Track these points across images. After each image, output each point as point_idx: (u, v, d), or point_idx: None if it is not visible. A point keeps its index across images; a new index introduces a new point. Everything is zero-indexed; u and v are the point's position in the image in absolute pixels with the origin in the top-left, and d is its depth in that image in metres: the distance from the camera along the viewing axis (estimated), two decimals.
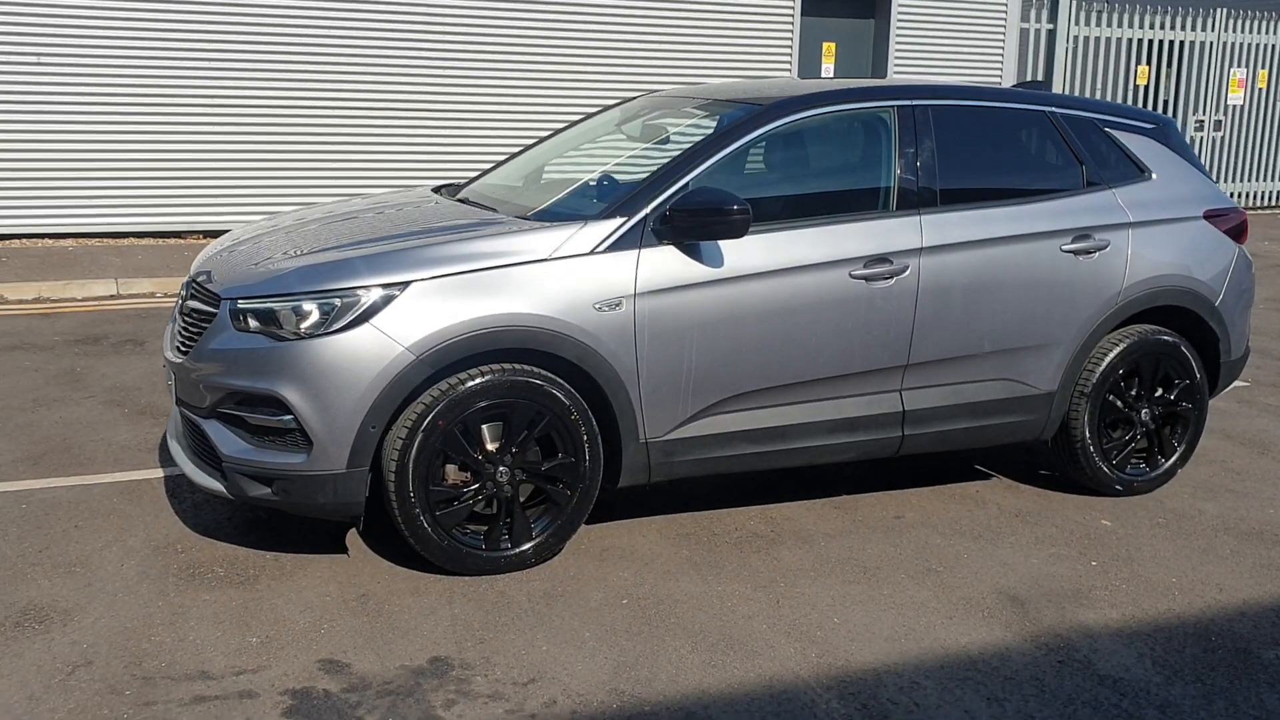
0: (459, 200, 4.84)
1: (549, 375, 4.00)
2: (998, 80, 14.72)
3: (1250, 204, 16.77)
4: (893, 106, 4.65)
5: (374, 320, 3.80)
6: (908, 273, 4.47)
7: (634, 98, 5.60)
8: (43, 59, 10.72)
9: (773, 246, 4.30)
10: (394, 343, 3.79)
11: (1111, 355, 4.89)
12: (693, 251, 4.18)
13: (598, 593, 3.98)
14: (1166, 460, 5.13)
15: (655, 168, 4.35)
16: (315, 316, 3.82)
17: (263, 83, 11.36)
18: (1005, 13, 14.69)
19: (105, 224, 11.06)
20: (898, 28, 14.25)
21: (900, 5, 14.17)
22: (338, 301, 3.82)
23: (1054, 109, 4.96)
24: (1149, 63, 15.88)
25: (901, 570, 4.25)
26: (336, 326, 3.80)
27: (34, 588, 3.89)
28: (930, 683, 3.44)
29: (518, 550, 4.07)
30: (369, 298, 3.82)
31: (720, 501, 4.87)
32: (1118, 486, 5.03)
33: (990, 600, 4.02)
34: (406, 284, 3.86)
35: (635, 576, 4.12)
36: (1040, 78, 15.19)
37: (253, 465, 3.89)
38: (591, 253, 4.07)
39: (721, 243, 4.22)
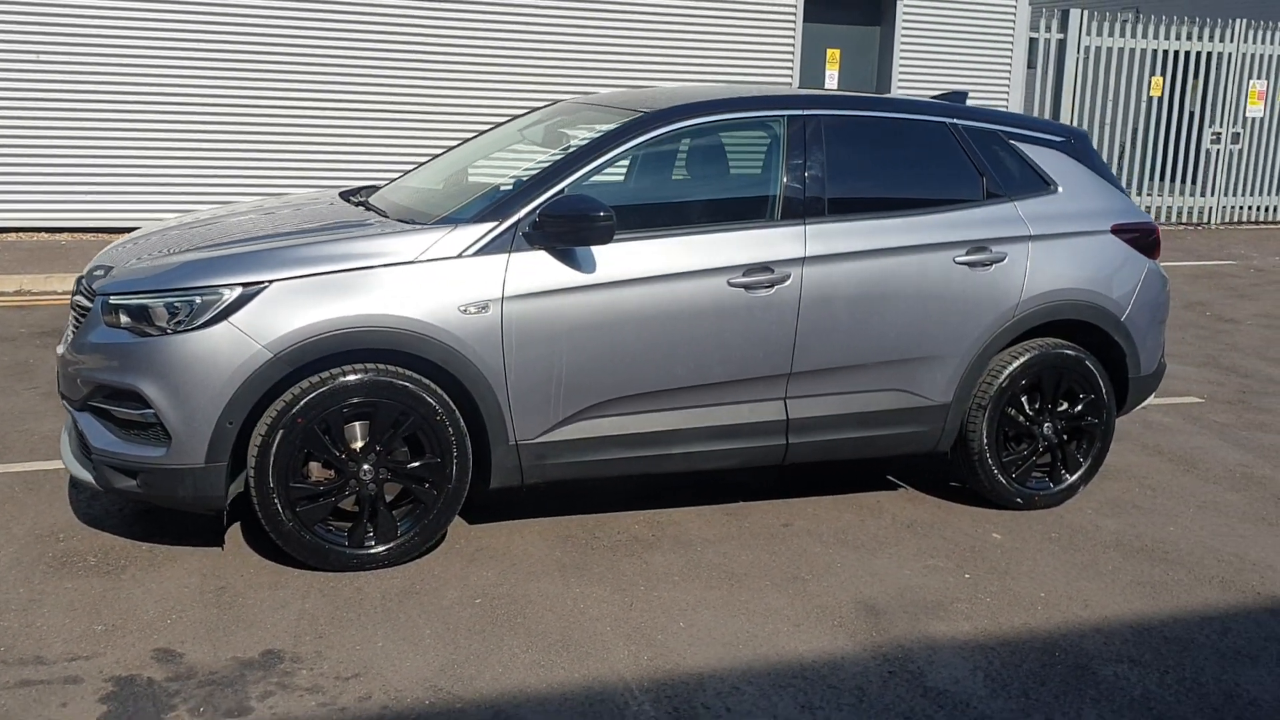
0: (361, 204, 4.90)
1: (413, 376, 4.06)
2: (1005, 90, 14.61)
3: (1271, 219, 16.48)
4: (782, 116, 4.66)
5: (232, 318, 3.88)
6: (789, 282, 4.48)
7: (553, 104, 5.65)
8: (41, 56, 10.98)
9: (649, 253, 4.33)
10: (251, 340, 3.87)
11: (1011, 368, 4.87)
12: (565, 257, 4.22)
13: (454, 591, 4.03)
14: (1070, 475, 5.09)
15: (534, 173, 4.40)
16: (178, 314, 3.91)
17: (253, 82, 11.55)
18: (1014, 22, 14.58)
19: (101, 219, 11.29)
20: (903, 35, 14.19)
21: (905, 12, 14.11)
22: (198, 299, 3.91)
23: (955, 120, 4.94)
24: (1164, 74, 15.67)
25: (768, 577, 4.26)
26: (197, 324, 3.89)
27: None
28: (751, 688, 3.45)
29: (383, 548, 4.14)
30: (229, 296, 3.91)
31: (613, 505, 4.90)
32: (1018, 500, 5.00)
33: (846, 609, 4.02)
34: (267, 283, 3.94)
35: (498, 576, 4.16)
36: (1049, 89, 15.04)
37: (119, 458, 3.99)
38: (459, 256, 4.12)
39: (596, 249, 4.26)
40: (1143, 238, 5.13)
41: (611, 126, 4.50)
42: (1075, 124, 15.12)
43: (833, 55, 14.16)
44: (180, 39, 11.27)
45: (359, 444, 4.07)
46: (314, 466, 4.06)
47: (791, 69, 13.62)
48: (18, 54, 10.88)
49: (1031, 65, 14.93)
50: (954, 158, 4.91)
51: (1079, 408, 5.03)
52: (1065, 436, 5.08)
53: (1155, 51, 15.58)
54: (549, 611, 3.91)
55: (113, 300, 4.02)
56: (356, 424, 4.07)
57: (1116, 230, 5.07)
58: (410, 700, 3.31)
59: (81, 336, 4.09)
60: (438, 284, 4.07)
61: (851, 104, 4.85)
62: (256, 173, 11.68)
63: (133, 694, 3.28)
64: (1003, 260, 4.81)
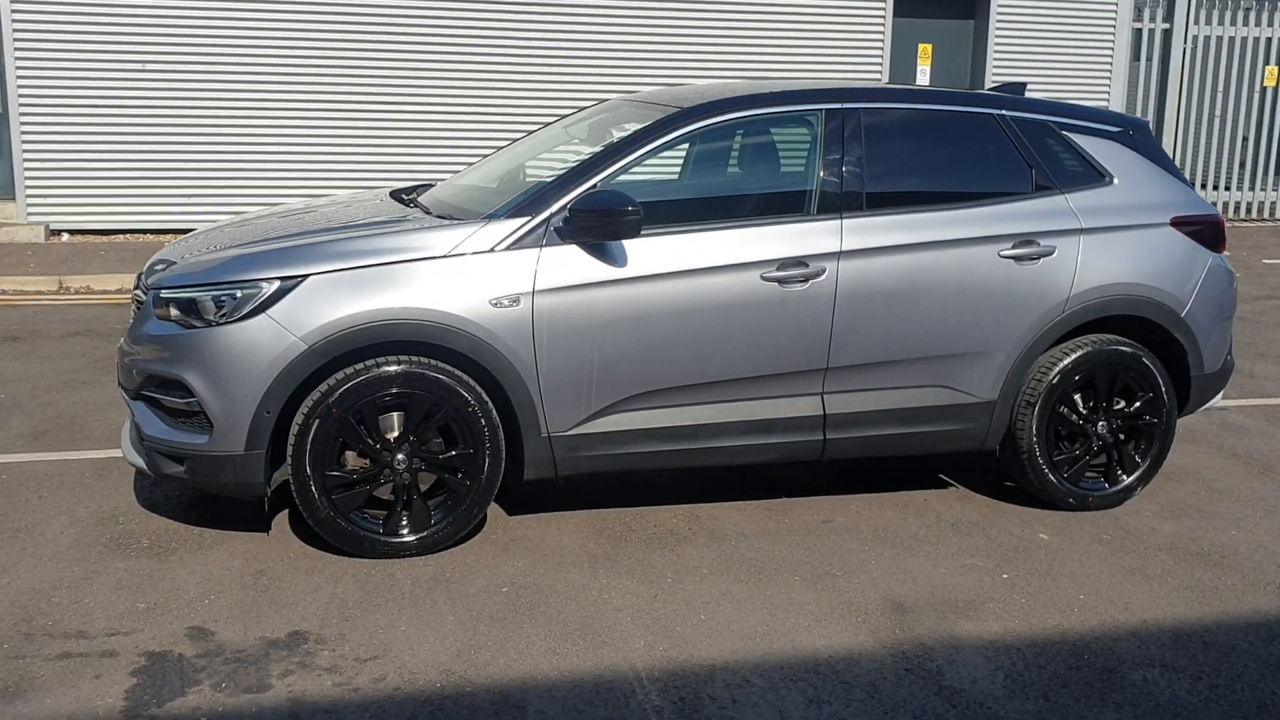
0: (410, 202, 5.01)
1: (446, 368, 4.15)
2: (1106, 84, 14.20)
3: None
4: (820, 110, 4.63)
5: (270, 311, 4.02)
6: (824, 276, 4.45)
7: (599, 102, 5.70)
8: (147, 65, 11.47)
9: (681, 248, 4.35)
10: (287, 332, 4.01)
11: (1062, 364, 4.75)
12: (597, 252, 4.26)
13: (482, 579, 4.10)
14: (1127, 476, 4.94)
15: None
16: (222, 307, 4.06)
17: (316, 89, 11.89)
18: (1115, 11, 14.16)
19: (201, 220, 11.73)
20: (997, 28, 13.89)
21: (1000, 5, 13.82)
22: (239, 293, 4.06)
23: (1004, 112, 4.84)
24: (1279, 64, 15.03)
25: (797, 573, 4.24)
26: (237, 316, 4.04)
27: None
28: (761, 681, 3.45)
29: (415, 537, 4.23)
30: (268, 289, 4.05)
31: (653, 499, 4.93)
32: (1070, 500, 4.88)
33: (872, 606, 3.98)
34: (304, 277, 4.07)
35: (528, 566, 4.23)
36: (1154, 81, 14.56)
37: (168, 445, 4.16)
38: (491, 250, 4.20)
39: (628, 243, 4.29)
40: (1205, 231, 4.96)
41: (646, 123, 4.53)
42: (1183, 118, 14.63)
43: (924, 51, 13.94)
44: (249, 46, 11.66)
45: (394, 434, 4.17)
46: (350, 455, 4.18)
47: (881, 65, 13.46)
48: (129, 62, 11.38)
49: (1135, 57, 14.47)
50: (1001, 150, 4.81)
51: (1136, 406, 4.88)
52: (1122, 436, 4.93)
53: (1270, 40, 14.95)
54: (572, 601, 3.95)
55: (164, 294, 4.20)
56: (392, 415, 4.17)
57: (1176, 223, 4.91)
58: (422, 682, 3.39)
59: (136, 329, 4.29)
60: (469, 278, 4.15)
61: (893, 97, 4.79)
62: (322, 174, 12.00)
63: (162, 669, 3.43)
64: (1051, 254, 4.69)
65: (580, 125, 5.30)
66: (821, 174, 4.56)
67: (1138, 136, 5.02)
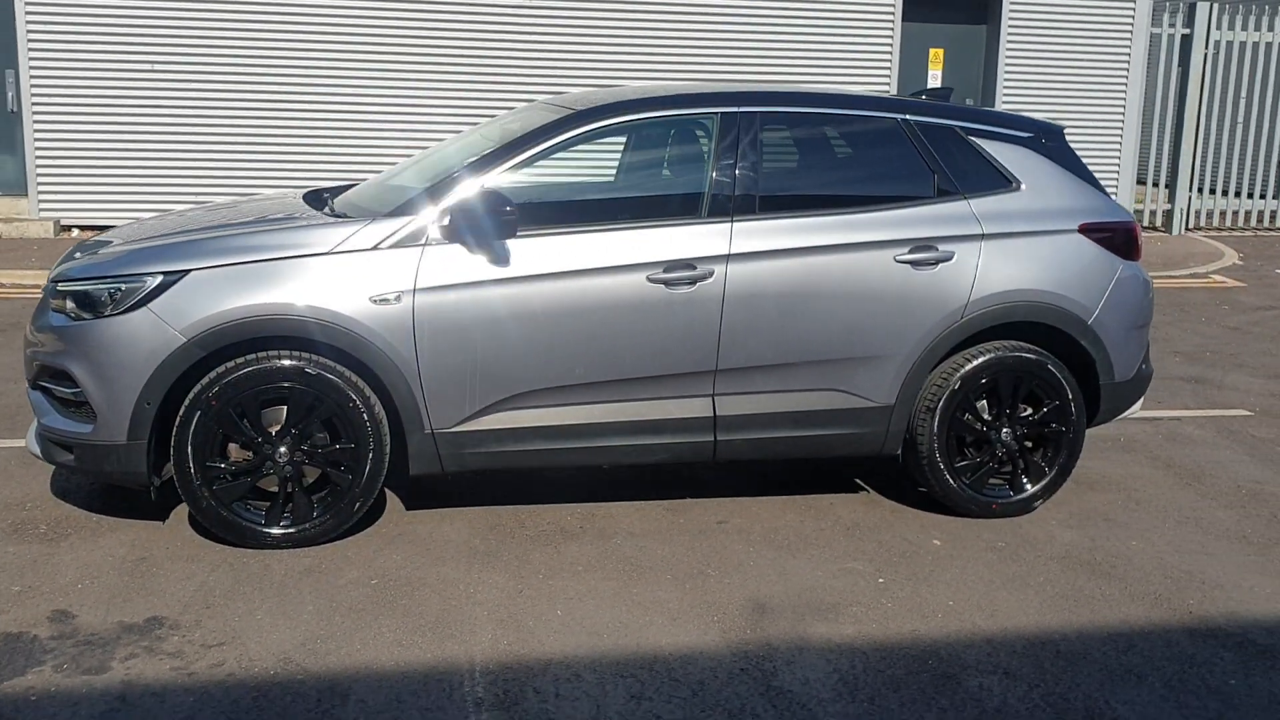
0: (323, 201, 5.08)
1: (326, 363, 4.23)
2: (1122, 90, 13.98)
3: None
4: (715, 114, 4.65)
5: (151, 305, 4.13)
6: (712, 279, 4.47)
7: (529, 104, 5.75)
8: (155, 66, 11.74)
9: (566, 248, 4.39)
10: (167, 326, 4.11)
11: (962, 370, 4.72)
12: (480, 251, 4.32)
13: (355, 571, 4.18)
14: (1032, 485, 4.90)
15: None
16: (106, 300, 4.18)
17: (280, 87, 12.07)
18: (1132, 16, 13.93)
19: None
20: (1009, 33, 13.74)
21: (1012, 8, 13.66)
22: (123, 286, 4.17)
23: (907, 117, 4.82)
24: None
25: (671, 572, 4.26)
26: (121, 309, 4.15)
27: None
28: (592, 676, 3.48)
29: (297, 528, 4.32)
30: (151, 283, 4.15)
31: (556, 496, 4.97)
32: (973, 507, 4.85)
33: (733, 607, 3.99)
34: (186, 272, 4.17)
35: (404, 560, 4.29)
36: (1174, 88, 14.31)
37: (58, 433, 4.29)
38: (374, 248, 4.27)
39: (512, 243, 4.34)
40: (1115, 238, 4.90)
41: (536, 125, 4.58)
42: (1202, 125, 14.36)
43: (935, 55, 13.82)
44: (252, 49, 11.88)
45: (277, 428, 4.26)
46: (233, 448, 4.27)
47: (889, 71, 13.37)
48: (140, 64, 11.66)
49: (1153, 63, 14.23)
50: (904, 154, 4.79)
51: (1041, 414, 4.84)
52: (1029, 444, 4.89)
53: None
54: (436, 595, 4.01)
55: (60, 287, 4.32)
56: (277, 409, 4.26)
57: (1085, 230, 4.86)
58: (258, 670, 3.46)
59: (34, 320, 4.42)
60: (350, 275, 4.23)
61: (792, 101, 4.80)
62: (321, 169, 12.18)
63: (11, 649, 3.54)
64: (950, 259, 4.67)
65: (494, 126, 5.35)
66: (714, 177, 4.57)
67: (1050, 143, 4.97)
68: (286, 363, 4.19)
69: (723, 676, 3.51)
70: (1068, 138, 5.08)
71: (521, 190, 4.39)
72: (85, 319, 4.20)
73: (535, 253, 4.36)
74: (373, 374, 4.27)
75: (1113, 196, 5.21)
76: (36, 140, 11.72)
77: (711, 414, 4.58)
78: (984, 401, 4.83)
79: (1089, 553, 4.56)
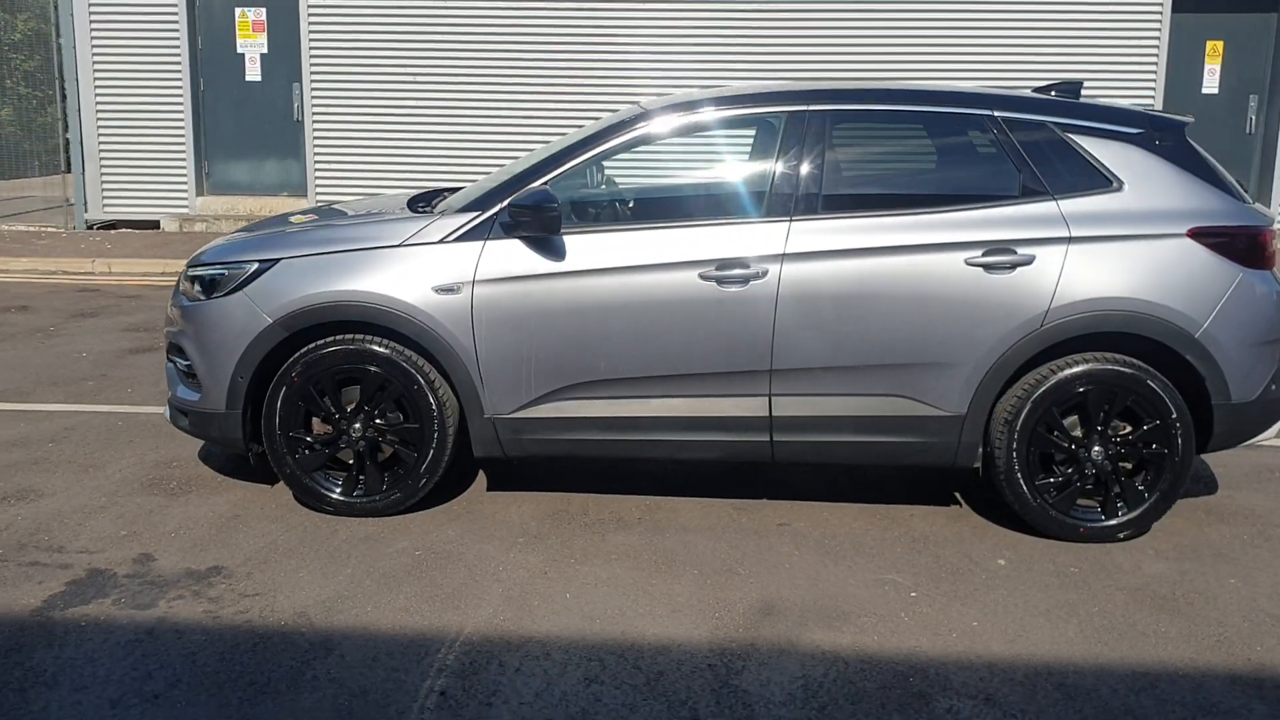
0: (427, 199, 5.42)
1: (395, 347, 4.57)
2: None
3: None
4: (783, 112, 4.62)
5: (247, 289, 4.61)
6: (765, 278, 4.45)
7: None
8: (417, 77, 12.74)
9: (620, 245, 4.52)
10: (257, 308, 4.58)
11: (1048, 382, 4.45)
12: (538, 246, 4.52)
13: (405, 543, 4.48)
14: (1129, 510, 4.54)
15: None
16: (215, 284, 4.71)
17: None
18: None
19: None
20: None
21: None
22: (228, 272, 4.68)
23: (994, 112, 4.58)
24: None
25: (700, 567, 4.29)
26: (224, 292, 4.66)
27: (48, 477, 5.16)
28: (560, 656, 3.59)
29: (367, 500, 4.68)
30: (249, 270, 4.64)
31: (629, 488, 5.10)
32: (1056, 528, 4.56)
33: (742, 605, 3.98)
34: (277, 260, 4.62)
35: (457, 535, 4.56)
36: None
37: (179, 401, 4.87)
38: (440, 242, 4.57)
39: (568, 239, 4.52)
40: (1234, 243, 4.45)
41: (604, 125, 4.72)
42: None
43: (1213, 48, 12.70)
44: (499, 58, 12.57)
45: (351, 405, 4.64)
46: (316, 422, 4.69)
47: (1156, 66, 12.41)
48: (400, 74, 12.71)
49: None
50: (987, 152, 4.57)
51: (1139, 434, 4.48)
52: (1128, 466, 4.54)
53: None
54: (465, 569, 4.24)
55: (190, 273, 4.90)
56: (353, 388, 4.64)
57: (1196, 234, 4.44)
58: (272, 620, 3.82)
59: (171, 300, 5.03)
60: (416, 266, 4.54)
61: (866, 98, 4.67)
62: None
63: (91, 583, 4.08)
64: (1029, 263, 4.41)
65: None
66: (777, 176, 4.55)
67: (1166, 139, 4.57)
68: (358, 346, 4.55)
69: (686, 670, 3.53)
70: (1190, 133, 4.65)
71: (583, 189, 4.54)
72: (200, 300, 4.74)
73: (589, 248, 4.50)
74: (436, 359, 4.56)
75: None
76: (315, 145, 13.00)
77: (768, 414, 4.56)
78: (1074, 417, 4.52)
79: (1170, 587, 4.18)
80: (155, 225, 13.34)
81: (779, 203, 4.52)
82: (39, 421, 6.02)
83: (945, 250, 4.43)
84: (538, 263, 4.51)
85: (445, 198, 5.45)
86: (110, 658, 3.54)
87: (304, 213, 5.66)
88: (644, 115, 4.67)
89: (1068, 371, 4.44)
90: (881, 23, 12.40)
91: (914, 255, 4.43)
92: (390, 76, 12.78)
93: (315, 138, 13.02)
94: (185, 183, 13.32)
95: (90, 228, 13.40)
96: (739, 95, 4.76)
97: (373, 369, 4.58)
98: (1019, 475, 4.52)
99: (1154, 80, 12.45)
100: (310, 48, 12.85)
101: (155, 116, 13.17)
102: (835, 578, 4.22)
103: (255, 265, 4.64)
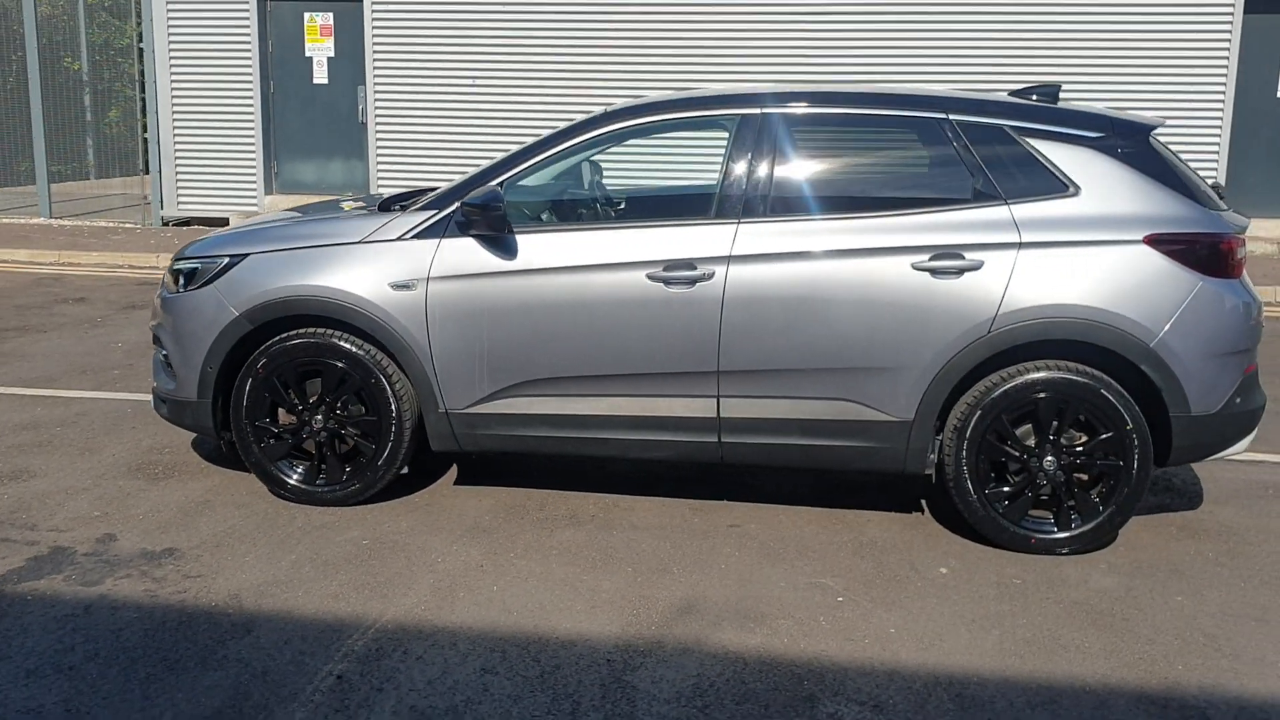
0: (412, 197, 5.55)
1: (355, 341, 4.70)
2: None
3: None
4: (736, 115, 4.63)
5: (216, 282, 4.79)
6: (712, 279, 4.47)
7: None
8: (476, 82, 12.97)
9: (570, 244, 4.58)
10: (224, 301, 4.76)
11: (997, 390, 4.39)
12: (491, 244, 4.61)
13: (357, 532, 4.61)
14: (1084, 522, 4.45)
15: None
16: (192, 277, 4.90)
17: None
18: None
19: None
20: None
21: None
22: (200, 266, 4.87)
23: (954, 115, 4.52)
24: None
25: (634, 565, 4.33)
26: (198, 285, 4.85)
27: (46, 459, 5.42)
28: (465, 646, 3.67)
29: (329, 489, 4.83)
30: (220, 264, 4.82)
31: (594, 486, 5.16)
32: (1006, 538, 4.49)
33: (661, 604, 4.01)
34: (246, 255, 4.80)
35: (409, 527, 4.67)
36: None
37: (159, 389, 5.08)
38: (398, 239, 4.69)
39: (520, 238, 4.60)
40: (1194, 251, 4.32)
41: (566, 126, 4.79)
42: None
43: None
44: (551, 65, 12.70)
45: (314, 397, 4.79)
46: (282, 412, 4.85)
47: (1225, 70, 12.00)
48: (458, 81, 12.96)
49: None
50: (941, 156, 4.52)
51: (1092, 444, 4.39)
52: (1084, 477, 4.45)
53: None
54: (406, 559, 4.35)
55: (172, 266, 5.11)
56: (317, 380, 4.79)
57: (1153, 241, 4.33)
58: (204, 601, 3.97)
59: (156, 294, 5.25)
60: (374, 263, 4.67)
61: (818, 101, 4.65)
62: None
63: (50, 559, 4.29)
64: (977, 269, 4.35)
65: None
66: (726, 179, 4.56)
67: (1127, 144, 4.46)
68: (317, 339, 4.70)
69: (584, 664, 3.57)
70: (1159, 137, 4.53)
71: (540, 190, 4.61)
72: (176, 293, 4.94)
73: (540, 248, 4.57)
74: (393, 354, 4.68)
75: None
76: (378, 146, 13.32)
77: (715, 415, 4.57)
78: (1028, 426, 4.44)
79: (1112, 602, 4.09)
80: (225, 222, 13.80)
81: (728, 205, 4.53)
82: (55, 407, 6.32)
83: (892, 254, 4.39)
84: (490, 261, 4.59)
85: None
86: (42, 630, 3.72)
87: (297, 209, 5.84)
88: (603, 117, 4.72)
89: (1018, 380, 4.37)
90: (950, 30, 12.23)
91: (861, 259, 4.41)
92: (450, 80, 13.03)
93: (378, 138, 13.34)
94: (255, 181, 13.76)
95: (165, 224, 13.93)
96: (695, 98, 4.78)
97: (333, 362, 4.72)
98: (968, 483, 4.46)
99: (1225, 83, 12.03)
100: (374, 52, 13.18)
101: (228, 118, 13.64)
102: (767, 579, 4.22)
103: (226, 260, 4.82)
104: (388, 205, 5.05)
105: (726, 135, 4.66)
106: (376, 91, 13.27)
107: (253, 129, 13.64)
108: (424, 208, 4.74)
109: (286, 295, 4.68)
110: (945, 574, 4.32)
